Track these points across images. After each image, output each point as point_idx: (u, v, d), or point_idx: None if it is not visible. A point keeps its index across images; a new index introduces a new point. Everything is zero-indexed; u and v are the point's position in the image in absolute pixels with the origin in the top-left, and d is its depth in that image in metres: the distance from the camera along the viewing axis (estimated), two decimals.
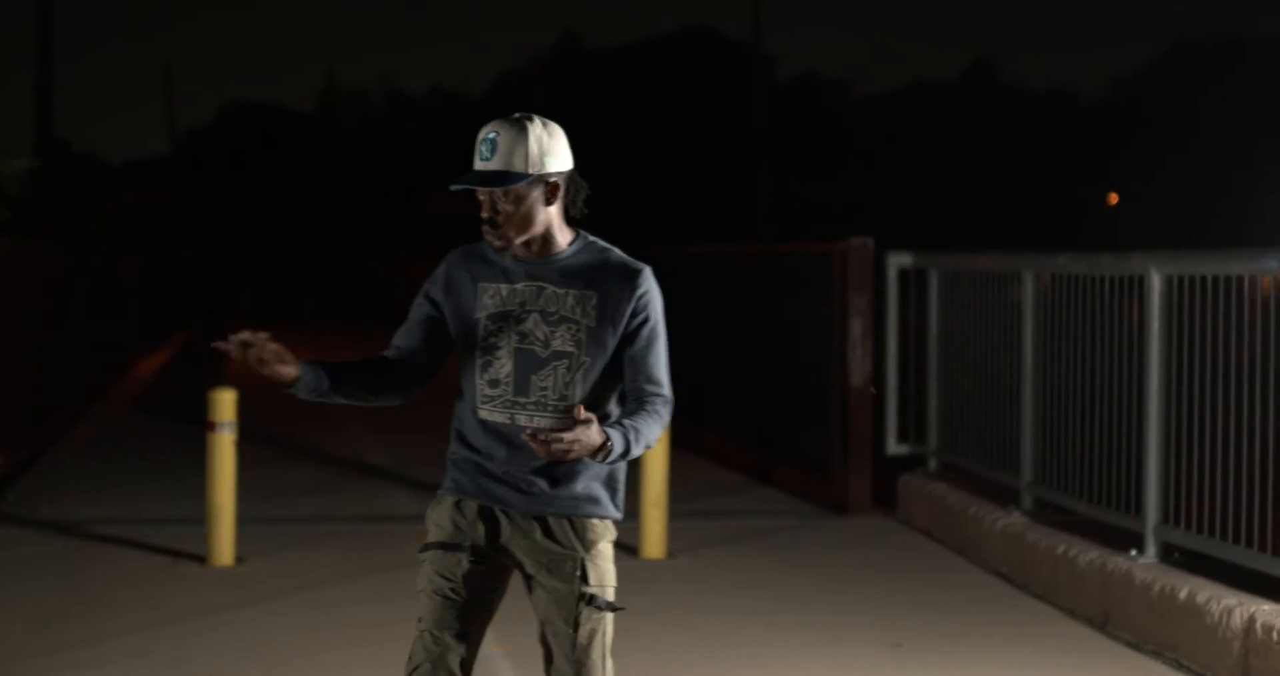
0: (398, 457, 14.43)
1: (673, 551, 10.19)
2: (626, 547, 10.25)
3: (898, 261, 11.95)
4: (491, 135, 4.56)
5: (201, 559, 9.79)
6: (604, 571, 4.67)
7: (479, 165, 4.57)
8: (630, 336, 4.64)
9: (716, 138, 57.55)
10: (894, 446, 11.94)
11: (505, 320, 4.61)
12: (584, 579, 4.62)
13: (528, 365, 4.59)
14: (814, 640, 8.12)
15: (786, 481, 12.84)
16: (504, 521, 4.65)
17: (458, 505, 4.67)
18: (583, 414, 4.32)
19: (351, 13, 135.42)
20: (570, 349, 4.58)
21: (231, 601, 8.84)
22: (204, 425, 9.75)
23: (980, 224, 55.16)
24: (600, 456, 4.38)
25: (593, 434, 4.32)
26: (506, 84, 66.38)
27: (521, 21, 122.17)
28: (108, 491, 12.69)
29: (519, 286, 4.62)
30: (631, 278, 4.64)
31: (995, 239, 49.54)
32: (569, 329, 4.59)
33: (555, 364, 4.57)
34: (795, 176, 55.75)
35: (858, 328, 11.77)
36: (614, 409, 4.64)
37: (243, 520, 10.04)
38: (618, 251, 4.71)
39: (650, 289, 4.68)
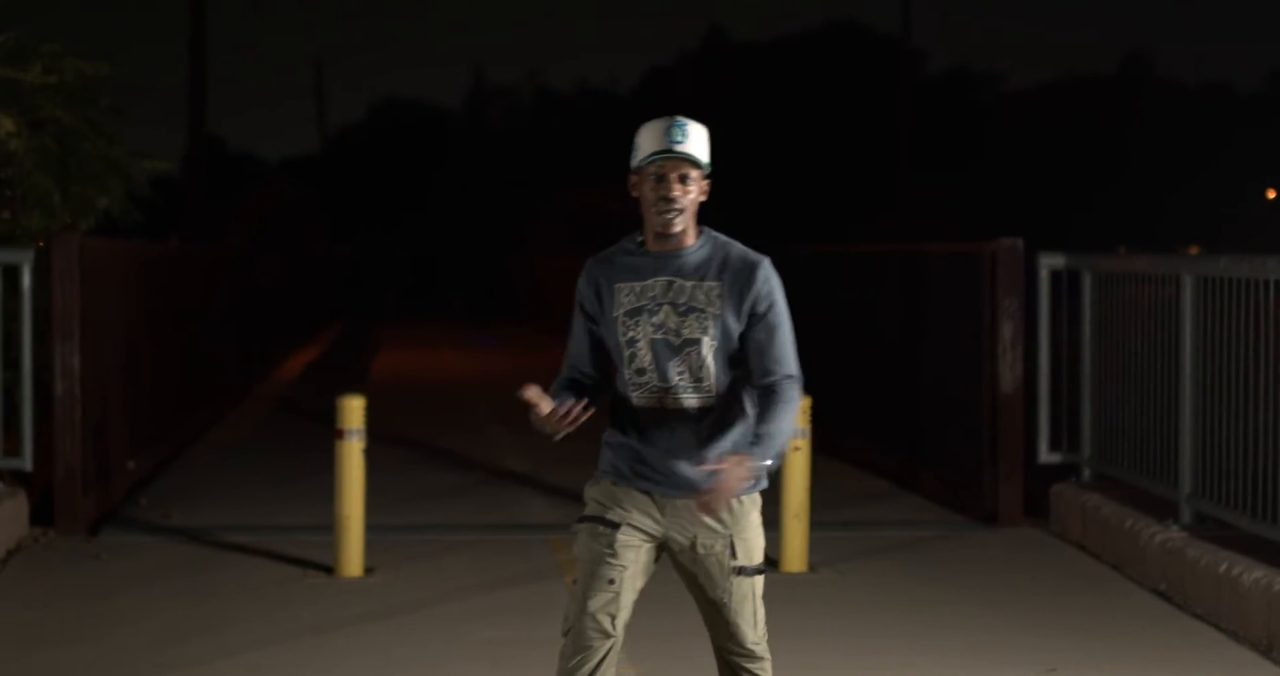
0: (537, 461, 14.17)
1: (814, 564, 9.85)
2: (767, 559, 9.91)
3: (1049, 263, 11.52)
4: (682, 122, 5.05)
5: (330, 569, 9.58)
6: (752, 544, 5.22)
7: (673, 146, 5.02)
8: (754, 322, 5.10)
9: (863, 133, 57.02)
10: (1046, 454, 11.51)
11: (640, 314, 5.09)
12: (733, 555, 5.16)
13: (664, 353, 5.07)
14: (963, 662, 7.76)
15: (932, 489, 12.44)
16: (656, 505, 5.13)
17: (614, 486, 5.16)
18: (716, 464, 4.90)
19: (500, 10, 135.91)
20: (699, 336, 5.06)
21: (358, 614, 8.62)
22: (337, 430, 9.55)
23: (1132, 220, 54.27)
24: (755, 479, 5.05)
25: (739, 470, 4.87)
26: (653, 81, 66.22)
27: (669, 18, 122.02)
28: (240, 497, 12.54)
29: (650, 282, 5.10)
30: (752, 268, 5.10)
31: (1146, 236, 48.75)
32: (697, 318, 5.06)
33: (688, 350, 5.06)
34: (942, 173, 55.09)
35: (1008, 331, 11.35)
36: (744, 393, 5.13)
37: (373, 528, 9.83)
38: (738, 245, 5.17)
39: (770, 277, 5.13)
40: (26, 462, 10.94)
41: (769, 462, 4.99)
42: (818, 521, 10.05)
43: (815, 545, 9.91)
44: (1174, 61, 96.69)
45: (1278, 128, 58.98)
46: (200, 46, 32.09)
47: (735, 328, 5.09)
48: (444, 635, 8.24)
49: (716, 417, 5.14)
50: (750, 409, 5.14)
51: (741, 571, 5.19)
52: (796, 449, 9.71)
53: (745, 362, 5.12)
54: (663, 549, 5.21)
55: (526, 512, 11.94)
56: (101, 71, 11.83)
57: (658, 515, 5.15)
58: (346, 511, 9.42)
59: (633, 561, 5.13)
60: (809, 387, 11.11)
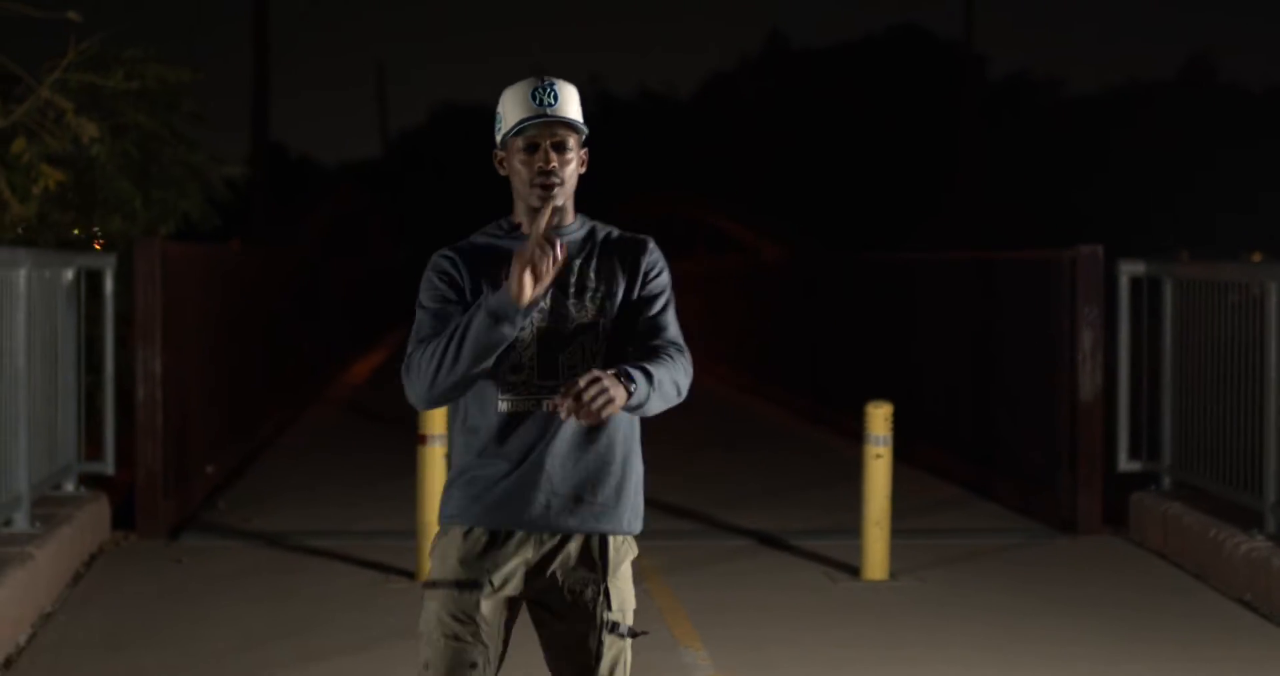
0: None
1: (895, 572, 9.81)
2: (848, 568, 9.92)
3: (1130, 270, 11.45)
4: (550, 83, 4.35)
5: (412, 575, 9.59)
6: (625, 595, 4.41)
7: (545, 110, 4.32)
8: (644, 301, 4.40)
9: (925, 138, 56.85)
10: (1125, 463, 11.44)
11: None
12: (607, 605, 4.35)
13: (554, 343, 4.30)
14: (1052, 673, 7.72)
15: (1007, 496, 12.38)
16: (522, 547, 4.31)
17: (467, 535, 4.31)
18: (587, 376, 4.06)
19: (560, 14, 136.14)
20: (593, 319, 4.33)
21: None
22: (413, 431, 9.58)
23: (1193, 226, 53.93)
24: (630, 399, 4.12)
25: (614, 380, 4.07)
26: (713, 85, 66.17)
27: (729, 22, 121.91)
28: (317, 501, 12.57)
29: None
30: (638, 246, 4.45)
31: (1206, 241, 48.41)
32: (592, 299, 4.35)
33: (581, 338, 4.32)
34: (1005, 179, 54.87)
35: (1088, 339, 11.29)
36: None
37: None
38: (616, 229, 4.51)
39: (659, 257, 4.48)
40: (108, 466, 11.02)
41: (643, 382, 4.13)
42: (895, 529, 10.02)
43: (894, 553, 9.88)
44: (1238, 66, 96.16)
45: None
46: (263, 52, 32.23)
47: (627, 310, 4.37)
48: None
49: (608, 425, 4.34)
50: None
51: (614, 628, 4.35)
52: (878, 456, 9.68)
53: (628, 347, 4.37)
54: (522, 601, 4.37)
55: None
56: (183, 77, 11.90)
57: (519, 559, 4.31)
58: (429, 517, 9.44)
59: (498, 627, 4.33)
60: (888, 393, 11.14)
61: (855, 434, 15.87)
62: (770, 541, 10.92)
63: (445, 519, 4.35)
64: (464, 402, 4.32)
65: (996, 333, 12.91)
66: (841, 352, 17.49)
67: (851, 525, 10.86)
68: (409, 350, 4.27)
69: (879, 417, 9.70)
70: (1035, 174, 58.33)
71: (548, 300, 4.28)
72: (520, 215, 4.39)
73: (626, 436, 4.37)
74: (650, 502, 12.68)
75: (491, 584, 4.27)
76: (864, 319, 16.71)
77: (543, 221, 4.11)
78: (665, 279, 4.46)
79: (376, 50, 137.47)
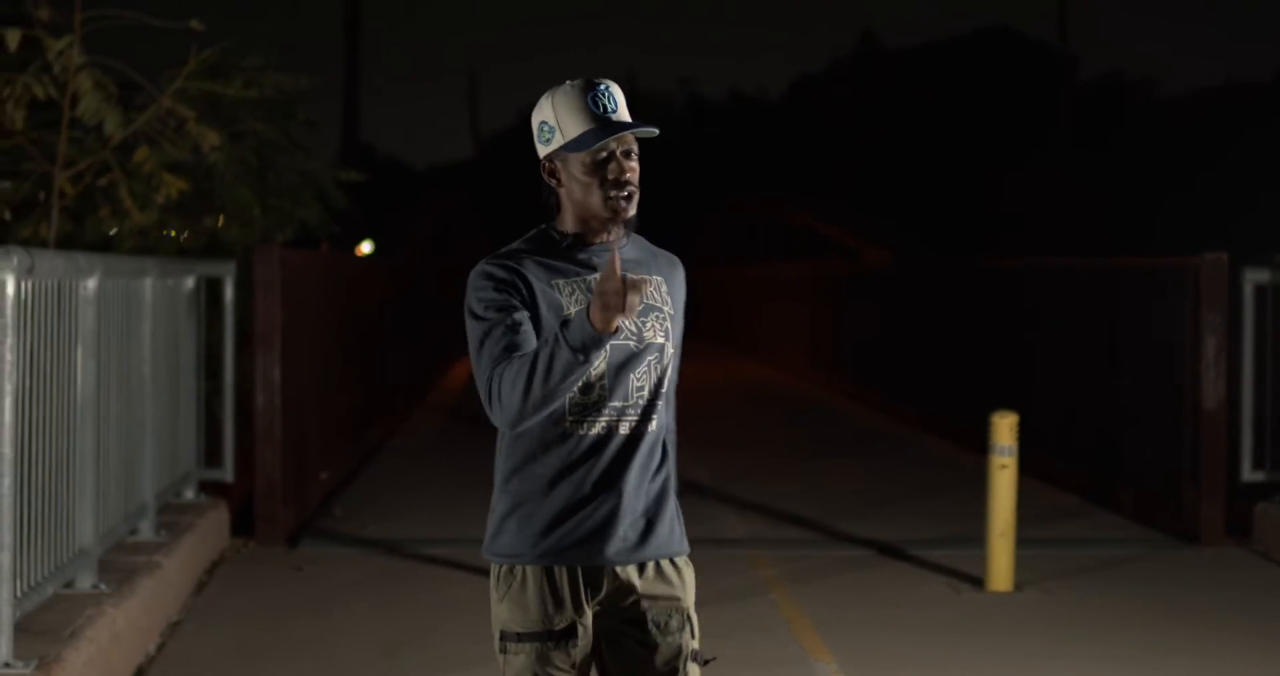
0: (715, 473, 14.12)
1: (1020, 583, 9.71)
2: (972, 579, 9.83)
3: (1254, 277, 11.31)
4: (604, 86, 4.03)
5: None
6: (697, 621, 4.15)
7: (611, 117, 4.00)
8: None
9: (1019, 139, 56.50)
10: (1249, 472, 11.29)
11: None
12: (691, 633, 4.09)
13: (625, 363, 4.00)
14: None
15: (1128, 506, 12.24)
16: (605, 582, 4.01)
17: (547, 574, 3.98)
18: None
19: (651, 16, 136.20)
20: (660, 339, 4.05)
21: None
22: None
23: (1274, 227, 53.35)
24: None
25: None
26: (804, 87, 66.04)
27: (820, 24, 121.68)
28: (430, 508, 12.57)
29: (597, 277, 3.99)
30: (677, 264, 4.22)
31: None
32: (656, 317, 4.06)
33: (649, 358, 4.02)
34: (1097, 180, 54.45)
35: (1211, 347, 11.16)
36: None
37: None
38: (646, 240, 4.23)
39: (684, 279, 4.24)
40: (228, 474, 11.07)
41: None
42: (1017, 539, 9.91)
43: (1018, 563, 9.77)
44: None
45: None
46: (354, 52, 32.40)
47: (676, 329, 4.15)
48: None
49: (658, 444, 4.11)
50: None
51: (696, 656, 4.10)
52: (1004, 467, 9.59)
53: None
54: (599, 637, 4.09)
55: (718, 528, 11.87)
56: (300, 85, 11.92)
57: (612, 590, 4.03)
58: None
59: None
60: (1001, 400, 11.02)
61: (964, 440, 15.86)
62: (889, 551, 10.84)
63: (509, 557, 3.99)
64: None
65: (1117, 340, 12.77)
66: (951, 358, 17.38)
67: (971, 535, 10.78)
68: (486, 367, 3.91)
69: (1004, 427, 9.60)
70: (1129, 176, 57.87)
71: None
72: (570, 225, 4.07)
73: (665, 453, 4.11)
74: (766, 511, 12.62)
75: (584, 627, 3.99)
76: (976, 324, 16.59)
77: (617, 264, 3.75)
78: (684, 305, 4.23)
79: (465, 52, 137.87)
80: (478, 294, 3.99)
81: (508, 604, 3.99)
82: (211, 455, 11.17)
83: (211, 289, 11.19)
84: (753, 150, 60.35)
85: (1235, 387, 11.30)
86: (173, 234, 11.84)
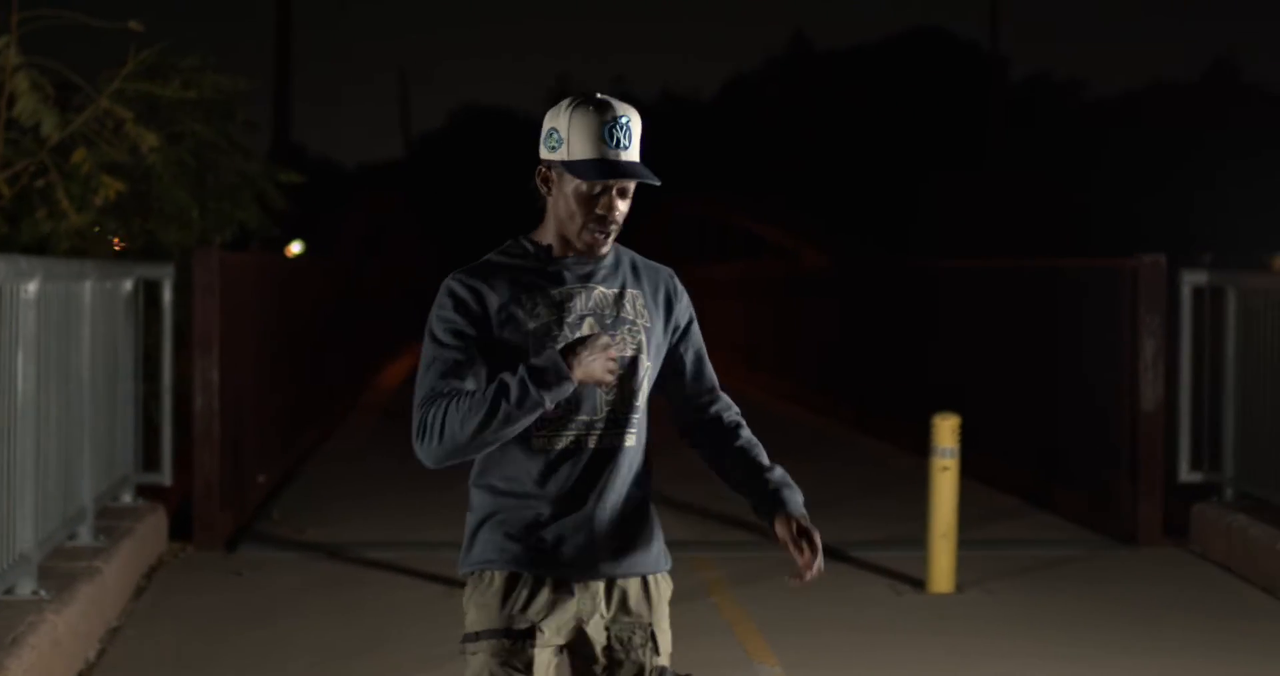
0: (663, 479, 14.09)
1: (961, 584, 9.75)
2: (913, 580, 9.85)
3: (1192, 279, 11.38)
4: (624, 118, 3.95)
5: None
6: (668, 637, 4.14)
7: (619, 155, 3.94)
8: (681, 337, 4.19)
9: (949, 139, 56.78)
10: (1187, 473, 11.36)
11: (560, 328, 3.97)
12: (655, 650, 4.08)
13: None
14: None
15: (1067, 507, 12.31)
16: (571, 595, 4.02)
17: (510, 581, 3.99)
18: (797, 527, 4.02)
19: (582, 15, 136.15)
20: (630, 352, 4.03)
21: None
22: None
23: (1215, 228, 53.79)
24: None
25: (813, 533, 4.02)
26: (736, 87, 66.13)
27: (752, 24, 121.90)
28: (369, 511, 12.51)
29: (566, 290, 4.01)
30: (664, 273, 4.17)
31: (1228, 244, 48.27)
32: (629, 332, 4.04)
33: (620, 373, 3.99)
34: (1026, 181, 54.75)
35: (1150, 349, 11.22)
36: (649, 427, 4.11)
37: None
38: (633, 253, 4.19)
39: (683, 289, 4.23)
40: (166, 477, 11.00)
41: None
42: (958, 540, 9.95)
43: (959, 564, 9.81)
44: (1262, 68, 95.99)
45: None
46: (285, 53, 32.25)
47: (663, 342, 4.14)
48: None
49: (636, 460, 4.09)
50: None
51: (662, 673, 4.08)
52: (945, 468, 9.62)
53: (664, 388, 4.17)
54: (564, 651, 4.09)
55: (668, 528, 11.83)
56: (239, 86, 11.86)
57: (578, 603, 4.03)
58: None
59: None
60: (939, 401, 11.06)
61: (904, 442, 15.89)
62: (830, 553, 10.75)
63: (479, 564, 4.03)
64: None
65: (1056, 341, 12.83)
66: (890, 360, 17.42)
67: (911, 536, 10.82)
68: (425, 397, 3.92)
69: (946, 429, 9.63)
70: (1058, 176, 58.21)
71: (583, 328, 4.00)
72: (550, 238, 4.05)
73: (647, 471, 4.13)
74: (705, 513, 12.61)
75: (543, 632, 3.99)
76: (915, 326, 16.64)
77: (611, 353, 3.84)
78: (693, 313, 4.25)
79: (396, 52, 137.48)
80: (439, 312, 3.99)
81: (474, 606, 4.02)
82: (149, 458, 11.09)
83: (150, 291, 11.11)
84: (687, 150, 60.38)
85: (1173, 389, 11.37)
86: (110, 236, 11.75)
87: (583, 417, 3.98)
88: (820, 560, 4.01)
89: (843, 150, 56.98)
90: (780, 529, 4.06)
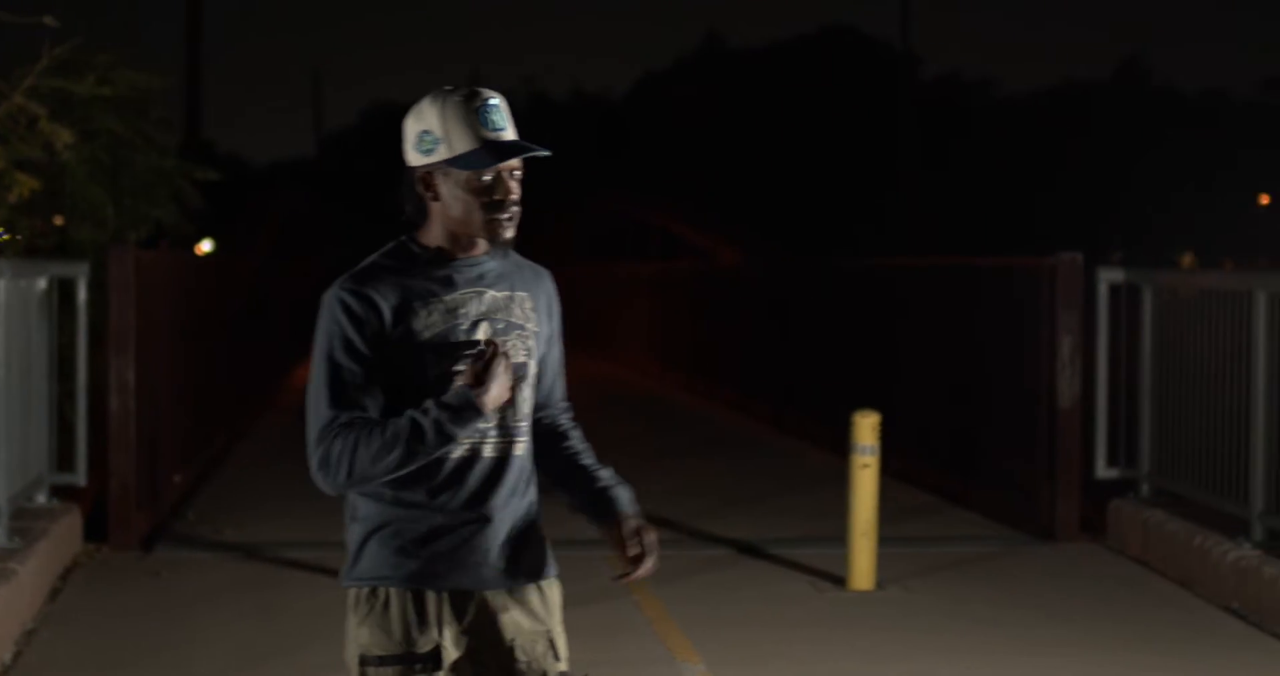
0: None
1: (881, 581, 9.77)
2: (834, 578, 9.87)
3: (1109, 277, 11.45)
4: (493, 100, 3.85)
5: None
6: (564, 639, 4.05)
7: (501, 137, 3.83)
8: (552, 341, 4.09)
9: (858, 139, 56.99)
10: (1104, 470, 11.43)
11: (455, 334, 3.86)
12: (556, 656, 4.00)
13: None
14: None
15: (986, 504, 12.36)
16: (471, 607, 3.90)
17: (409, 598, 3.86)
18: (631, 525, 3.97)
19: (495, 14, 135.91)
20: (522, 358, 3.93)
21: None
22: None
23: (1127, 227, 54.27)
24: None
25: (649, 531, 3.99)
26: (649, 86, 66.14)
27: (665, 23, 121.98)
28: (286, 511, 12.40)
29: (460, 295, 3.89)
30: (545, 277, 4.07)
31: (1138, 242, 48.70)
32: (519, 336, 3.94)
33: (513, 378, 3.89)
34: (937, 180, 55.03)
35: (1067, 346, 11.29)
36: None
37: None
38: (514, 252, 4.06)
39: (556, 290, 4.12)
40: (81, 477, 10.87)
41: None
42: (878, 537, 9.96)
43: (879, 562, 9.83)
44: (1169, 68, 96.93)
45: (1271, 135, 59.07)
46: (196, 49, 32.00)
47: (544, 349, 4.05)
48: None
49: (526, 467, 4.01)
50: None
51: None
52: (866, 466, 9.64)
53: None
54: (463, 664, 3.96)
55: (576, 529, 11.80)
56: (154, 83, 11.74)
57: (478, 615, 3.92)
58: None
59: None
60: (875, 402, 11.08)
61: (822, 441, 15.92)
62: (750, 551, 10.86)
63: (371, 581, 3.86)
64: None
65: (975, 339, 12.89)
66: (809, 359, 17.45)
67: (830, 533, 10.84)
68: (322, 427, 3.81)
69: (866, 427, 9.65)
70: (970, 176, 58.56)
71: (478, 333, 3.89)
72: (436, 238, 3.91)
73: (533, 477, 4.04)
74: None
75: (447, 650, 3.87)
76: (833, 325, 16.67)
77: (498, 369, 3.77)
78: (560, 320, 4.14)
79: (308, 50, 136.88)
80: (330, 327, 3.85)
81: (369, 627, 3.86)
82: (63, 459, 10.94)
83: (64, 290, 10.98)
84: (599, 149, 60.35)
85: (1090, 386, 11.44)
86: (17, 237, 11.59)
87: (476, 426, 3.87)
88: (653, 560, 3.95)
89: (758, 149, 57.06)
90: (613, 527, 4.00)
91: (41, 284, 10.49)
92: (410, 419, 3.76)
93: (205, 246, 27.25)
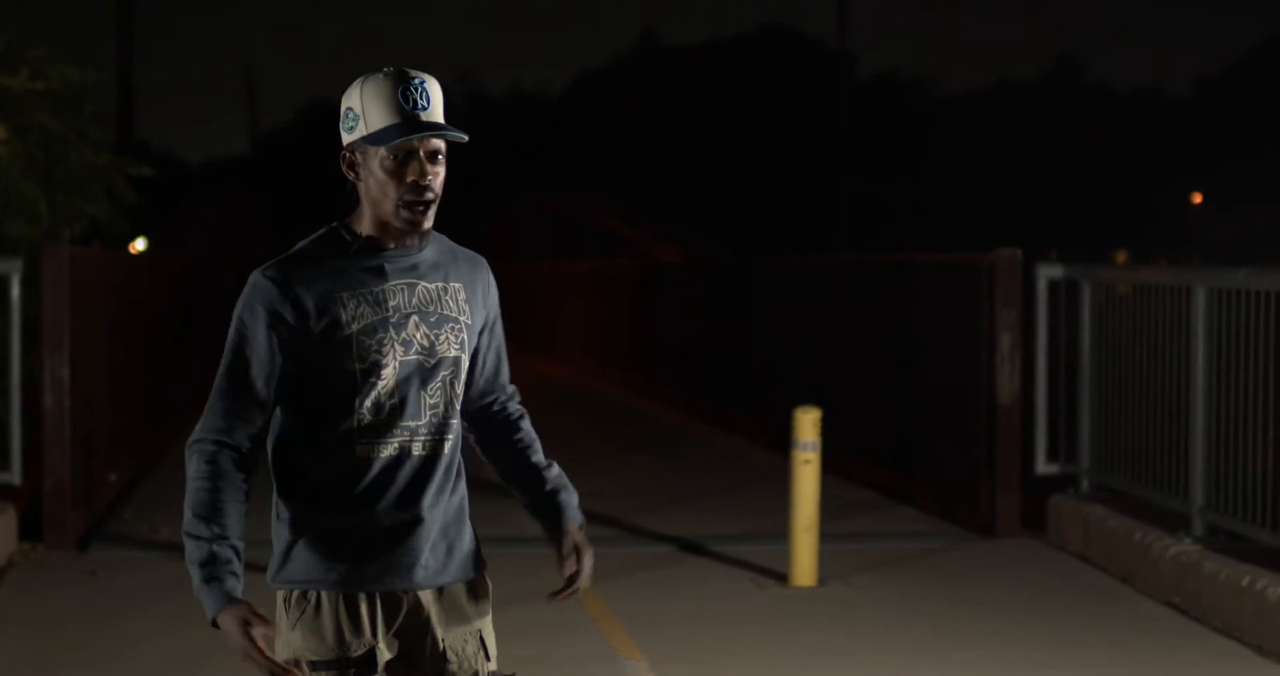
0: None
1: (824, 578, 9.75)
2: (776, 574, 9.85)
3: (1048, 273, 11.47)
4: (419, 80, 3.76)
5: None
6: (493, 637, 3.98)
7: (419, 116, 3.74)
8: (488, 330, 3.99)
9: (796, 138, 57.10)
10: (1044, 465, 11.45)
11: (384, 328, 3.76)
12: (486, 656, 3.93)
13: (417, 380, 3.80)
14: None
15: (925, 500, 12.37)
16: (400, 609, 3.84)
17: (339, 601, 3.79)
18: (572, 537, 4.01)
19: (431, 10, 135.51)
20: (454, 352, 3.84)
21: None
22: None
23: (1062, 225, 54.55)
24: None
25: (584, 542, 4.04)
26: (586, 84, 66.13)
27: (600, 20, 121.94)
28: None
29: (390, 286, 3.79)
30: (481, 265, 3.98)
31: (1072, 240, 48.95)
32: (452, 329, 3.85)
33: (442, 372, 3.83)
34: (875, 178, 55.18)
35: (1006, 342, 11.30)
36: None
37: None
38: (448, 238, 3.99)
39: (492, 278, 4.04)
40: (15, 476, 10.74)
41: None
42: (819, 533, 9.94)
43: (820, 558, 9.81)
44: (1101, 67, 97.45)
45: (1203, 133, 59.50)
46: (128, 46, 31.76)
47: (477, 339, 3.96)
48: None
49: (455, 463, 3.93)
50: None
51: None
52: (807, 462, 9.62)
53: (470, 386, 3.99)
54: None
55: (515, 526, 11.73)
56: (88, 78, 11.62)
57: (407, 617, 3.86)
58: None
59: None
60: (815, 399, 11.06)
61: (761, 437, 15.92)
62: (691, 547, 10.83)
63: (301, 583, 3.82)
64: (292, 445, 3.85)
65: (913, 335, 12.90)
66: (747, 356, 17.43)
67: (770, 530, 10.83)
68: (208, 426, 3.84)
69: (807, 423, 9.64)
70: (907, 174, 58.75)
71: (408, 327, 3.79)
72: (366, 225, 3.81)
73: (461, 472, 3.96)
74: None
75: (381, 652, 3.80)
76: (771, 321, 16.65)
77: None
78: (496, 303, 4.05)
79: (243, 48, 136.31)
80: (245, 314, 3.78)
81: (301, 631, 3.81)
82: None
83: None
84: (537, 147, 60.28)
85: (1030, 382, 11.46)
86: None
87: (406, 424, 3.79)
88: (587, 579, 3.98)
89: (693, 147, 57.11)
90: (555, 538, 4.03)
91: None
92: (201, 541, 3.90)
93: (139, 245, 27.08)
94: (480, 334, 3.98)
